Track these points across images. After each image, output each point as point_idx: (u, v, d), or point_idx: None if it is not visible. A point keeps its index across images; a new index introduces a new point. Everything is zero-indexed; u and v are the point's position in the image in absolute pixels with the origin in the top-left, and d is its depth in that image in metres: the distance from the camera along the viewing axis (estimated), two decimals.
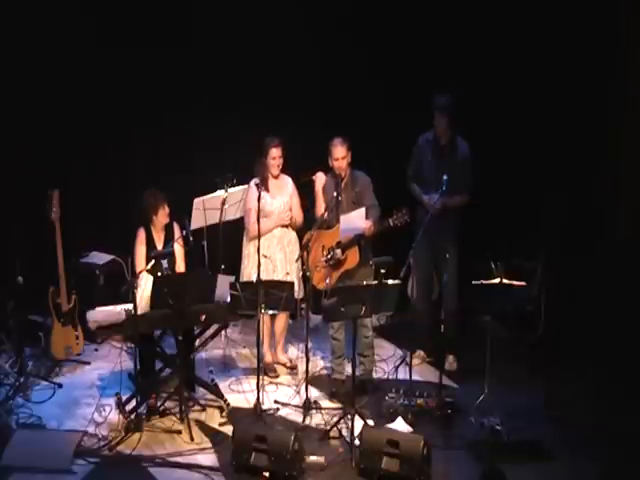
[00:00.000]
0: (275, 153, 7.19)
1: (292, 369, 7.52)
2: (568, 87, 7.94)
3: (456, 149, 7.29)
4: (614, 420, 6.50)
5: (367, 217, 6.79)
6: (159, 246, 7.02)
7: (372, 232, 6.85)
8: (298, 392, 7.04)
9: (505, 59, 8.04)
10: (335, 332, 7.13)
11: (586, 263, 7.70)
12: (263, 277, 6.71)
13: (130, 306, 6.38)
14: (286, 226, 7.35)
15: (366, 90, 8.31)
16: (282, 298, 6.50)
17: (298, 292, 7.13)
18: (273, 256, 7.27)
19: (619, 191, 7.99)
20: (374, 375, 7.25)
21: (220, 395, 6.86)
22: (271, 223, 7.26)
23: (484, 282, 6.38)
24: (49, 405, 6.88)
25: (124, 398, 6.64)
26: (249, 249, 7.32)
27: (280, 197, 7.33)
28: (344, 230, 6.81)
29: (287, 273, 7.28)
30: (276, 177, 7.31)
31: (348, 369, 6.92)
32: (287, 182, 7.38)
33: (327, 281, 6.86)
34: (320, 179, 7.09)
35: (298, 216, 7.39)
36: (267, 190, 7.23)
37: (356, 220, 6.76)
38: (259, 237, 6.79)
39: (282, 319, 7.53)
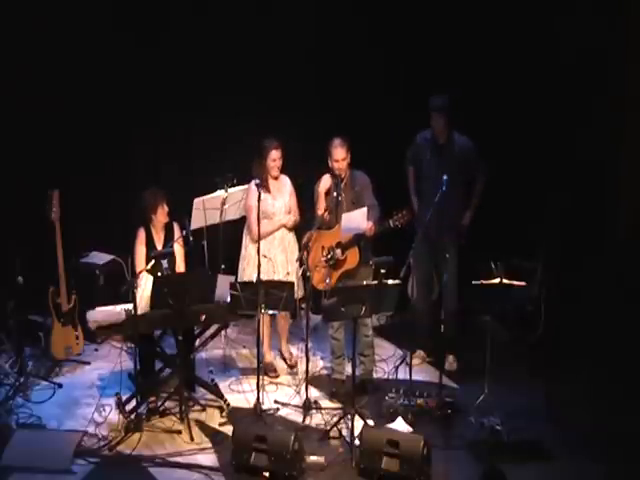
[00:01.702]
0: (275, 155, 7.19)
1: (292, 367, 7.53)
2: (568, 87, 7.93)
3: (454, 146, 7.28)
4: (614, 420, 6.50)
5: (368, 217, 6.79)
6: (159, 246, 7.02)
7: (373, 233, 6.85)
8: (298, 392, 7.04)
9: (506, 58, 8.03)
10: (335, 332, 7.13)
11: (586, 263, 7.70)
12: (263, 277, 6.71)
13: (130, 306, 6.38)
14: (287, 228, 7.36)
15: (366, 90, 8.30)
16: (282, 298, 6.50)
17: (297, 291, 7.12)
18: (274, 257, 7.27)
19: (620, 191, 7.99)
20: (374, 375, 7.24)
21: (220, 395, 6.86)
22: (274, 225, 7.26)
23: (484, 282, 6.38)
24: (49, 405, 6.88)
25: (124, 398, 6.64)
26: (249, 251, 7.32)
27: (281, 198, 7.34)
28: (345, 229, 6.80)
29: (287, 273, 7.28)
30: (275, 178, 7.31)
31: (348, 369, 6.93)
32: (286, 182, 7.39)
33: (327, 281, 6.86)
34: (325, 181, 7.07)
35: (296, 215, 7.40)
36: (268, 191, 7.23)
37: (358, 219, 6.75)
38: (259, 238, 6.79)
39: (283, 316, 7.55)
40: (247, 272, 7.28)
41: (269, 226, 7.20)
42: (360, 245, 6.90)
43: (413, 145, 7.50)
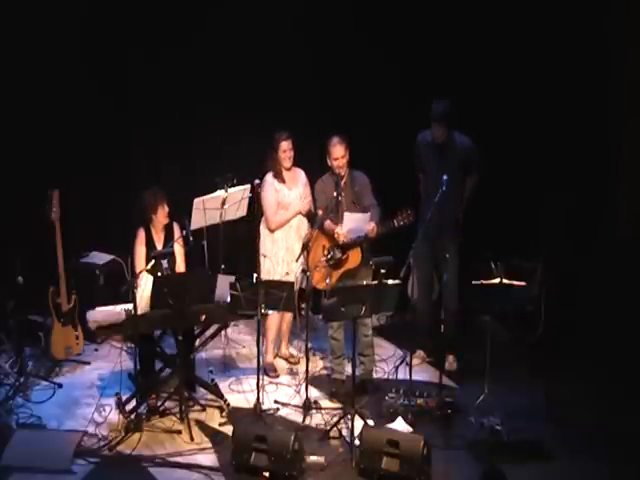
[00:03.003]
0: (285, 146, 7.25)
1: (295, 364, 7.55)
2: (568, 87, 7.94)
3: (454, 145, 7.27)
4: (614, 420, 6.50)
5: (370, 218, 6.79)
6: (159, 246, 7.02)
7: (376, 233, 6.85)
8: (298, 392, 7.04)
9: (505, 59, 8.04)
10: (334, 332, 7.12)
11: (586, 263, 7.71)
12: (283, 269, 6.90)
13: (130, 306, 6.38)
14: (303, 215, 7.39)
15: (366, 90, 8.30)
16: (282, 298, 6.50)
17: (300, 283, 7.15)
18: (291, 247, 7.29)
19: (619, 191, 7.99)
20: (374, 375, 7.24)
21: (220, 395, 6.86)
22: (290, 212, 7.31)
23: (484, 282, 6.38)
24: (49, 405, 6.87)
25: (124, 398, 6.64)
26: (266, 246, 7.31)
27: (295, 188, 7.38)
28: (347, 229, 6.81)
29: (287, 273, 7.28)
30: (289, 169, 7.35)
31: (348, 369, 6.93)
32: (299, 173, 7.44)
33: (327, 281, 6.87)
34: (325, 180, 7.09)
35: (310, 204, 7.40)
36: (283, 182, 7.29)
37: (360, 221, 6.79)
38: (258, 235, 6.80)
39: (288, 316, 7.57)
40: (266, 268, 7.25)
41: (285, 215, 7.27)
42: (362, 245, 6.91)
43: (416, 146, 7.46)
